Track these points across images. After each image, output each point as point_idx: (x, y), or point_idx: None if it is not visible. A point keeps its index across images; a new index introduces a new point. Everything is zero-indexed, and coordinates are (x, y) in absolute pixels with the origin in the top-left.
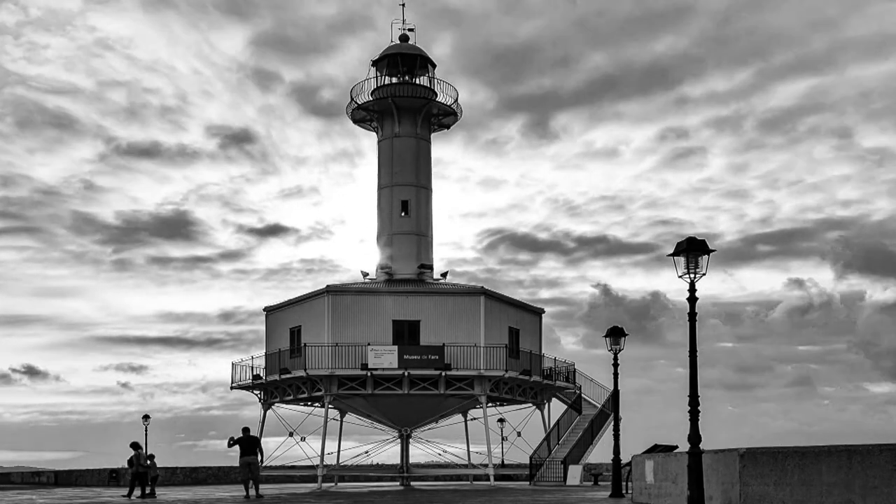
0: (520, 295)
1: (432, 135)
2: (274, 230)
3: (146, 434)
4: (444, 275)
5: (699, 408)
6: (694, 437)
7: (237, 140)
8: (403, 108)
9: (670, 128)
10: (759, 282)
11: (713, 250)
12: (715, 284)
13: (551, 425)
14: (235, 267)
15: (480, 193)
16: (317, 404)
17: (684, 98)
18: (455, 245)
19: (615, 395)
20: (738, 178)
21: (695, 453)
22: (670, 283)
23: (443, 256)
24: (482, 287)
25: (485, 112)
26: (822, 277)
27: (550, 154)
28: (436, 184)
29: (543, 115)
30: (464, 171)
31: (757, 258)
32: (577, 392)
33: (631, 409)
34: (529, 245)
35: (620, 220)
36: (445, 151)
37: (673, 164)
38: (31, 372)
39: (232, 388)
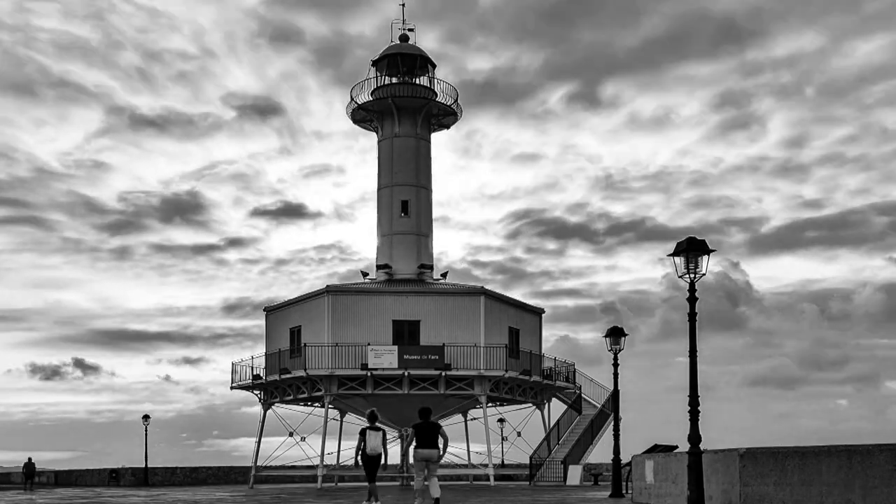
0: (545, 287)
1: (438, 129)
2: (291, 212)
3: (146, 434)
4: (444, 275)
5: (699, 408)
6: (694, 437)
7: (258, 111)
8: (403, 109)
9: (730, 93)
10: (809, 270)
11: (713, 250)
12: (761, 272)
13: (551, 425)
14: (245, 255)
15: (516, 170)
16: (317, 404)
17: (751, 58)
18: (480, 230)
19: (615, 395)
20: (796, 152)
21: (695, 453)
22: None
23: (466, 242)
24: (482, 287)
25: (529, 77)
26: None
27: (594, 125)
28: (466, 162)
29: (592, 78)
30: (500, 145)
31: (804, 244)
32: (577, 392)
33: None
34: (559, 231)
35: (661, 201)
36: (480, 123)
37: (725, 137)
38: (81, 366)
39: (232, 388)
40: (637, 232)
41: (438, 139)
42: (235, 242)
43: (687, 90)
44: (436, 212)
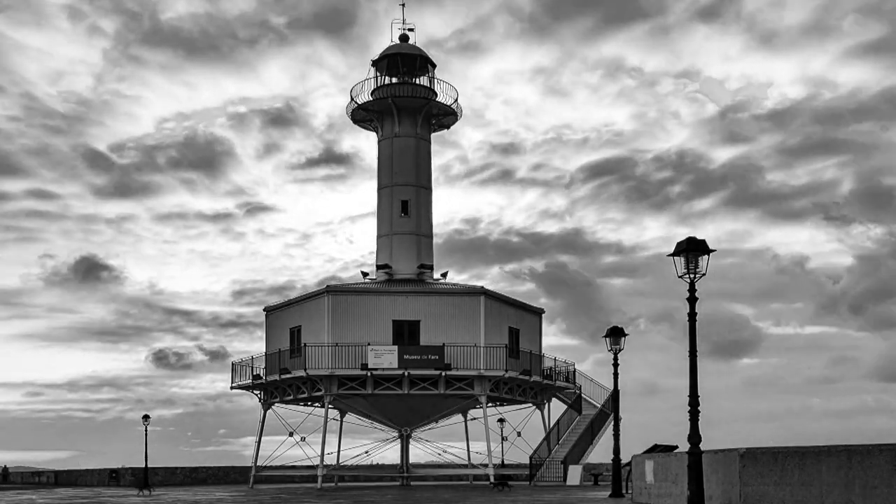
0: (606, 260)
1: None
2: (333, 160)
3: (146, 434)
4: (443, 275)
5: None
6: (694, 436)
7: (315, 23)
8: (403, 109)
9: None
10: None
11: (713, 250)
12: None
13: (551, 425)
14: (264, 227)
15: (609, 106)
16: (317, 404)
17: None
18: (547, 187)
19: (615, 395)
20: None
21: (695, 453)
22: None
23: (528, 204)
24: (482, 287)
25: None
26: None
27: (717, 46)
28: (551, 100)
29: None
30: (608, 68)
31: None
32: (577, 392)
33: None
34: (641, 189)
35: (776, 143)
36: (571, 44)
37: (873, 58)
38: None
39: (232, 387)
40: (730, 191)
41: (522, 66)
42: (256, 210)
43: None
44: (503, 163)
